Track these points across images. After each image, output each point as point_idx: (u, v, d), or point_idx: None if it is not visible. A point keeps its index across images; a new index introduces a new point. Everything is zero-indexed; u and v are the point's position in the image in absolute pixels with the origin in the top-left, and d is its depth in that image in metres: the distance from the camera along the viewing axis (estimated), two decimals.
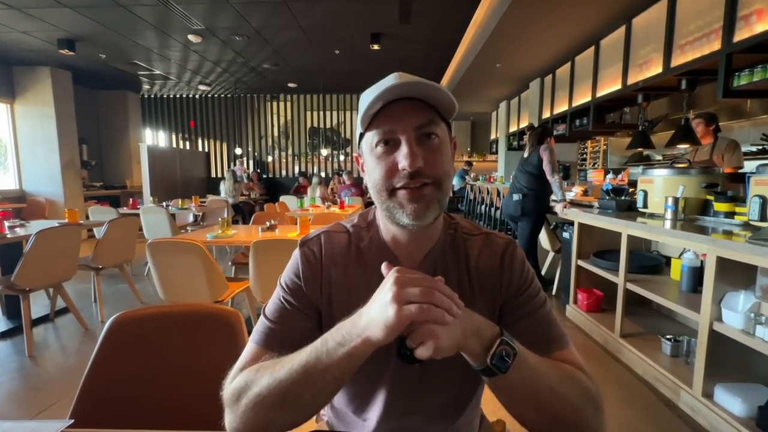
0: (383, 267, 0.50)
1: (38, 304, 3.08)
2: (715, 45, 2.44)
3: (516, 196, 3.28)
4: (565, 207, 2.98)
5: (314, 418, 0.77)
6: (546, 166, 3.09)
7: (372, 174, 0.58)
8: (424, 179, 0.55)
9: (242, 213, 6.71)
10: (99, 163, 7.51)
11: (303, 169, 9.05)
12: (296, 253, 0.65)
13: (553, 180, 3.08)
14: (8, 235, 2.49)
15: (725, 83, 2.36)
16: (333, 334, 0.50)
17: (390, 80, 0.56)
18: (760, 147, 3.79)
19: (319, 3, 3.96)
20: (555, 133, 5.06)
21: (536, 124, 5.57)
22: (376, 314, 0.46)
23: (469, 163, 8.79)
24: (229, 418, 0.52)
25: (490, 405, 0.72)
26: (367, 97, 0.56)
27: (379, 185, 0.57)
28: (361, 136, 0.60)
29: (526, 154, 3.31)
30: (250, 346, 0.59)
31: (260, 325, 0.60)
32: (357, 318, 0.49)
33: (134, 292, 3.22)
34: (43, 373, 2.15)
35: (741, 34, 2.27)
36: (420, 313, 0.43)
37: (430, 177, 0.56)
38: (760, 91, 2.43)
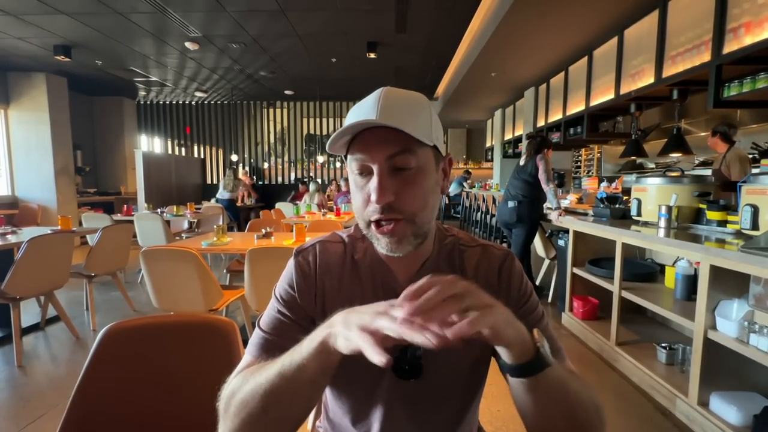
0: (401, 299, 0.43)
1: (29, 313, 3.03)
2: (705, 56, 2.49)
3: (511, 203, 3.31)
4: (561, 215, 3.01)
5: (311, 430, 0.76)
6: (542, 175, 3.14)
7: (353, 199, 0.59)
8: (394, 214, 0.54)
9: (237, 220, 6.69)
10: (93, 169, 7.47)
11: (300, 176, 9.05)
12: (291, 263, 0.64)
13: (549, 188, 3.12)
14: None
15: (716, 94, 2.40)
16: (310, 334, 0.49)
17: (370, 101, 0.55)
18: (751, 156, 3.85)
19: (317, 12, 3.99)
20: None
21: (532, 133, 5.64)
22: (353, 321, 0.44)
23: (468, 172, 8.89)
24: (221, 429, 0.52)
25: (486, 415, 0.72)
26: (351, 115, 0.56)
27: (358, 214, 0.58)
28: (346, 155, 0.59)
29: (522, 162, 3.34)
30: (246, 357, 0.59)
31: (255, 337, 0.60)
32: (334, 316, 0.47)
33: (127, 300, 3.18)
34: (32, 384, 2.10)
35: (730, 46, 2.32)
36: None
37: (402, 212, 0.54)
38: (750, 101, 2.48)
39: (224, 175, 6.66)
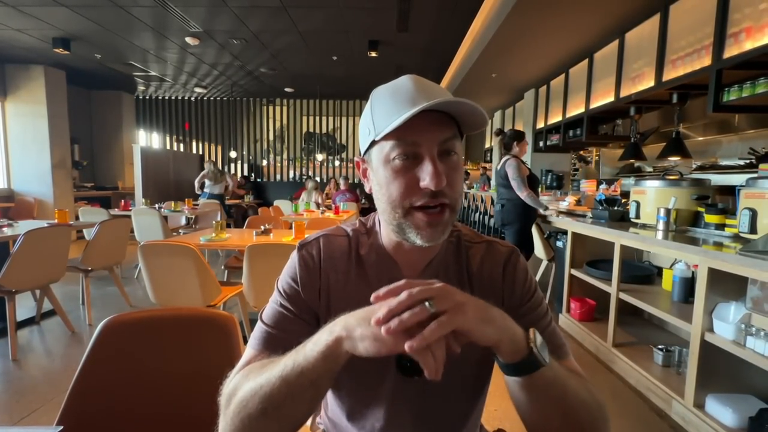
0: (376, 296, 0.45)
1: (24, 306, 3.01)
2: (706, 61, 2.50)
3: (497, 206, 3.34)
4: (551, 214, 3.06)
5: (310, 427, 0.75)
6: (512, 182, 3.00)
7: (387, 188, 0.54)
8: (444, 199, 0.53)
9: (233, 217, 6.63)
10: (91, 164, 7.42)
11: (303, 174, 9.02)
12: (294, 257, 0.63)
13: (524, 196, 2.99)
14: None
15: (715, 98, 2.41)
16: (312, 336, 0.48)
17: (409, 85, 0.53)
18: (748, 161, 3.87)
19: (319, 9, 3.98)
20: (549, 143, 5.09)
21: (529, 134, 5.64)
22: (364, 331, 0.43)
23: (467, 173, 8.95)
24: (221, 424, 0.51)
25: (484, 415, 0.71)
26: (386, 101, 0.54)
27: (396, 202, 0.54)
28: (373, 142, 0.55)
29: (498, 166, 3.31)
30: (248, 351, 0.58)
31: (258, 331, 0.59)
32: (341, 319, 0.46)
33: (124, 295, 3.16)
34: (27, 378, 2.09)
35: (730, 51, 2.33)
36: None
37: (449, 198, 0.53)
38: (749, 106, 2.49)
39: (207, 170, 6.35)
